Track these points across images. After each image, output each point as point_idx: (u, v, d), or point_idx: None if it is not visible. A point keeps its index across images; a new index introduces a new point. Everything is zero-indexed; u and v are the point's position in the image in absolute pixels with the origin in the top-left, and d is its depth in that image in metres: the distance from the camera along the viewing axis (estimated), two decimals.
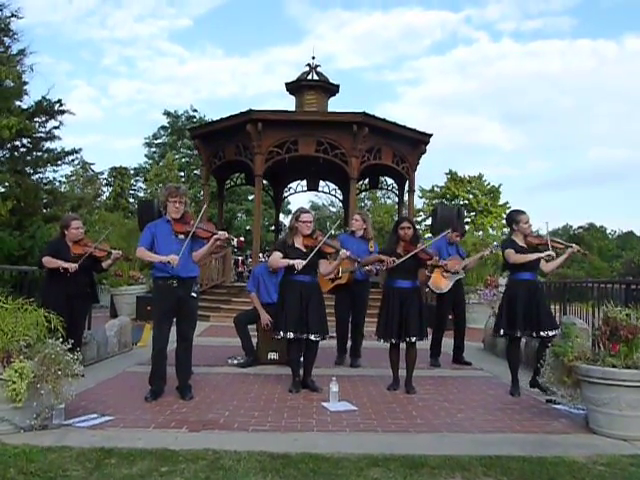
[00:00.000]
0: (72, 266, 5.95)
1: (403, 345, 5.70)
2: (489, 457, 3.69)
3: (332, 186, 19.24)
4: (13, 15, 18.08)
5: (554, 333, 5.44)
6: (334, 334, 6.87)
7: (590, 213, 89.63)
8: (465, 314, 7.71)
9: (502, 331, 5.66)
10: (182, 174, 40.44)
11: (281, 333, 5.58)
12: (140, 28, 71.94)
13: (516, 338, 5.64)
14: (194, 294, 5.23)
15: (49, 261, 5.98)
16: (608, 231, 56.37)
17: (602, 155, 78.32)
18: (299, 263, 5.46)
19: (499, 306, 5.84)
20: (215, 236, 5.14)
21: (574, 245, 5.76)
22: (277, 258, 5.66)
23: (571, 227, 55.63)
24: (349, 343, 7.29)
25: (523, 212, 5.79)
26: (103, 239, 6.44)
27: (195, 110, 42.85)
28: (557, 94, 75.42)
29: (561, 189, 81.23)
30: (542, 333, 5.46)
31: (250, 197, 37.36)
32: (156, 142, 43.20)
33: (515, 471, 3.49)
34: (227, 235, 5.19)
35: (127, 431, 4.18)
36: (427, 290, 7.98)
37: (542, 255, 5.56)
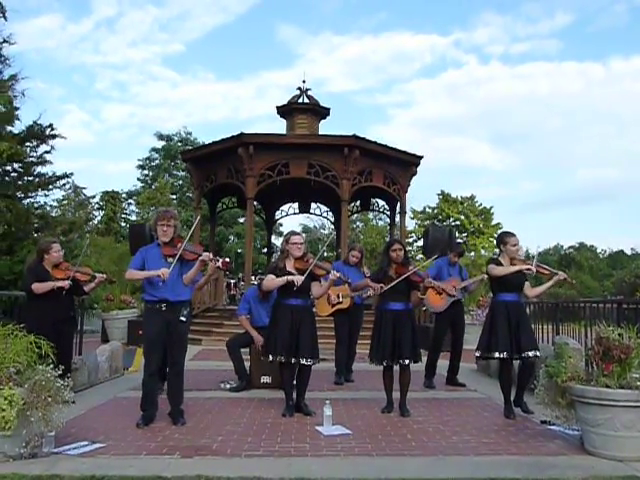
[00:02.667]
0: (66, 283, 5.92)
1: (397, 367, 5.68)
2: None
3: (324, 208, 19.30)
4: (5, 41, 18.13)
5: (534, 354, 5.42)
6: (326, 357, 6.84)
7: (580, 233, 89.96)
8: (463, 336, 7.62)
9: (479, 353, 5.67)
10: (174, 197, 40.44)
11: (270, 357, 5.57)
12: (133, 53, 72.60)
13: (505, 360, 5.61)
14: (183, 318, 5.17)
15: (39, 287, 5.88)
16: (598, 250, 56.70)
17: (591, 175, 79.16)
18: (298, 279, 5.44)
19: (482, 327, 5.83)
20: (201, 257, 5.14)
21: (560, 273, 5.70)
22: (271, 279, 5.64)
23: (562, 247, 55.93)
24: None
25: (512, 234, 5.77)
26: (81, 261, 6.43)
27: (189, 133, 43.07)
28: (546, 115, 76.27)
29: (551, 209, 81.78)
30: (523, 354, 5.43)
31: (241, 220, 37.37)
32: (149, 165, 43.24)
33: None
34: (211, 256, 5.18)
35: (118, 458, 4.12)
36: (424, 309, 8.02)
37: (522, 267, 5.54)
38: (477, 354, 5.74)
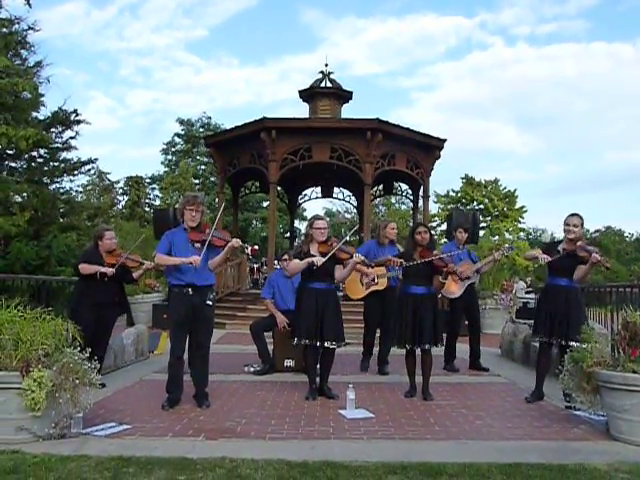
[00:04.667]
0: (109, 270, 6.06)
1: (419, 351, 5.67)
2: (509, 465, 3.65)
3: (346, 192, 19.23)
4: (30, 28, 18.33)
5: (575, 344, 5.30)
6: (350, 341, 6.82)
7: (607, 216, 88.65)
8: (479, 319, 7.63)
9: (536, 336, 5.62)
10: (197, 182, 40.64)
11: (296, 340, 5.60)
12: (157, 39, 72.65)
13: (543, 345, 5.56)
14: (209, 302, 5.23)
15: (86, 267, 6.07)
16: (625, 234, 55.79)
17: (619, 157, 77.56)
18: (319, 259, 5.46)
19: (535, 310, 5.80)
20: (229, 244, 5.16)
21: (593, 255, 5.25)
22: (295, 263, 5.67)
23: (588, 231, 55.16)
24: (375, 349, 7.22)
25: (573, 214, 5.51)
26: (134, 249, 6.56)
27: (209, 117, 43.14)
28: (573, 97, 74.98)
29: (577, 193, 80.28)
30: (568, 342, 5.24)
31: (265, 204, 37.45)
32: (172, 150, 43.46)
33: (535, 479, 3.45)
34: (240, 243, 5.20)
35: (145, 439, 4.19)
36: (439, 296, 7.92)
37: (537, 255, 5.54)
38: (536, 336, 5.63)
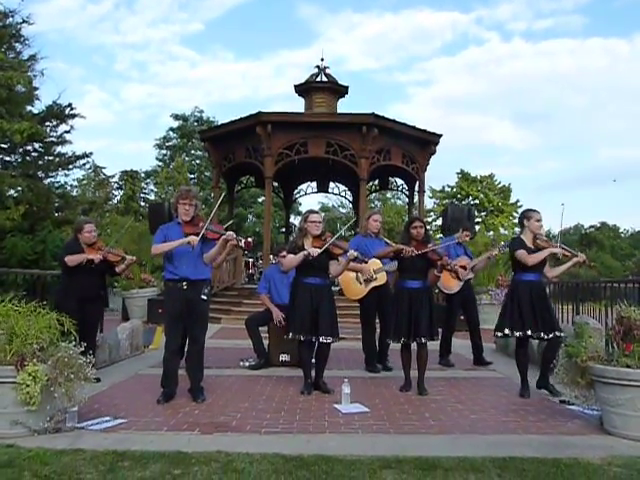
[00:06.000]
0: (97, 257, 6.03)
1: (414, 346, 5.68)
2: (503, 459, 3.66)
3: (342, 187, 19.24)
4: (24, 21, 18.26)
5: (559, 334, 5.37)
6: (345, 336, 6.80)
7: (602, 212, 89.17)
8: (477, 313, 7.64)
9: (506, 331, 5.57)
10: (192, 176, 40.53)
11: (291, 334, 5.61)
12: (152, 33, 72.43)
13: (523, 339, 5.59)
14: (204, 296, 5.22)
15: (72, 259, 6.02)
16: (621, 230, 55.98)
17: (615, 154, 77.88)
18: (314, 250, 5.46)
19: (502, 306, 5.80)
20: (223, 237, 5.15)
21: (580, 254, 5.61)
22: (290, 258, 5.66)
23: (583, 226, 55.31)
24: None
25: (536, 211, 5.73)
26: (115, 243, 6.49)
27: (201, 111, 43.02)
28: (569, 93, 75.20)
29: (573, 188, 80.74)
30: (547, 335, 5.39)
31: (260, 199, 37.39)
32: (167, 144, 43.33)
33: (530, 473, 3.46)
34: (235, 236, 5.19)
35: (140, 434, 4.18)
36: (437, 291, 7.89)
37: (555, 250, 5.50)
38: (498, 334, 5.69)
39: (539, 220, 5.65)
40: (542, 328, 5.41)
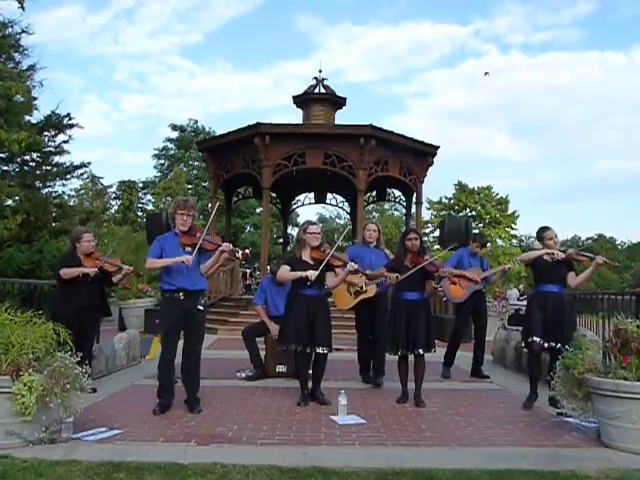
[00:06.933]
0: (92, 270, 6.00)
1: (412, 358, 5.67)
2: (500, 471, 3.66)
3: (340, 198, 19.27)
4: (23, 31, 18.27)
5: (560, 347, 5.34)
6: (341, 347, 6.79)
7: (599, 224, 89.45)
8: (486, 326, 7.49)
9: (522, 343, 5.66)
10: (190, 187, 40.56)
11: (285, 346, 5.61)
12: (151, 44, 72.96)
13: (533, 347, 5.56)
14: (201, 307, 5.22)
15: (66, 272, 5.99)
16: (617, 242, 56.15)
17: (612, 166, 78.28)
18: (312, 274, 5.45)
19: (525, 316, 5.82)
20: (220, 248, 5.15)
21: (598, 257, 5.52)
22: (286, 271, 5.66)
23: (579, 238, 55.46)
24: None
25: (547, 228, 5.77)
26: (111, 253, 6.48)
27: (196, 121, 43.20)
28: (566, 106, 75.69)
29: (570, 200, 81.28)
30: (551, 343, 5.40)
31: (258, 210, 37.42)
32: (164, 154, 43.40)
33: None
34: (231, 247, 5.19)
35: (135, 445, 4.17)
36: (444, 299, 7.89)
37: (542, 253, 5.59)
38: (528, 340, 5.58)
39: (551, 238, 5.70)
40: (551, 338, 5.40)
